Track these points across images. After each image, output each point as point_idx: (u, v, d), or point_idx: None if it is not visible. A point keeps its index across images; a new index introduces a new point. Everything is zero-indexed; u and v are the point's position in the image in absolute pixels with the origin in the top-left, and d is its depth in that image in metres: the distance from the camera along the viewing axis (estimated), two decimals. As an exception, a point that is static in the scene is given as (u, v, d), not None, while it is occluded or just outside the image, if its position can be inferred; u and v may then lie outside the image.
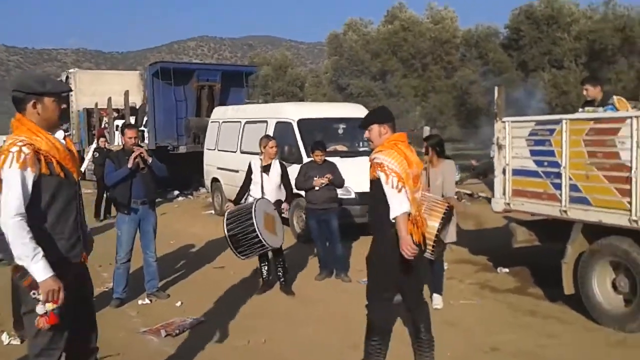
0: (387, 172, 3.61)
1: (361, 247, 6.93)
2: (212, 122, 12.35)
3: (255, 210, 5.54)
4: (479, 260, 7.34)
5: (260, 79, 25.88)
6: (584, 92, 6.23)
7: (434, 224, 4.20)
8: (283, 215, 6.34)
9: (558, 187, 5.35)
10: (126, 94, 16.64)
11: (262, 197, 6.09)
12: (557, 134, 5.34)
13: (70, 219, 2.89)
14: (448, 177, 5.55)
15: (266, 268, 6.36)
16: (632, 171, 4.65)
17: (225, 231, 5.59)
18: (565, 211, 5.29)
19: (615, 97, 5.75)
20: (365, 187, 3.95)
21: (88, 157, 14.51)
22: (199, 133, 13.97)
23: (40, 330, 2.72)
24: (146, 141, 14.54)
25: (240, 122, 11.05)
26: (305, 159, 8.36)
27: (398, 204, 3.60)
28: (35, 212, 2.73)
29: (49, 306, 2.65)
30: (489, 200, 7.05)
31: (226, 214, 5.81)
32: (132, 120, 16.01)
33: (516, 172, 5.89)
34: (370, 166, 3.75)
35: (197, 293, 6.32)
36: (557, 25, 18.47)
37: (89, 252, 3.12)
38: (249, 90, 17.88)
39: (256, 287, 6.38)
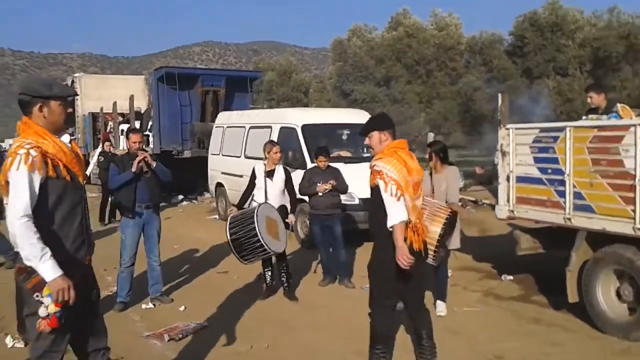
0: (386, 180, 3.60)
1: (365, 253, 6.92)
2: (216, 127, 12.40)
3: (257, 215, 5.55)
4: (483, 268, 7.32)
5: (264, 85, 25.96)
6: (588, 100, 6.24)
7: (436, 229, 4.20)
8: (288, 223, 6.34)
9: (562, 194, 5.34)
10: (131, 98, 16.72)
11: (266, 202, 6.10)
12: (561, 141, 5.33)
13: (76, 222, 2.90)
14: (452, 183, 5.55)
15: (269, 273, 6.36)
16: (636, 179, 4.64)
17: (228, 235, 5.60)
18: (569, 219, 5.28)
19: (619, 105, 5.75)
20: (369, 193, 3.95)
21: (93, 161, 14.54)
22: (203, 138, 14.03)
23: (42, 333, 2.73)
24: (151, 145, 14.62)
25: (244, 127, 11.09)
26: (309, 165, 8.38)
27: (396, 213, 3.58)
28: (41, 215, 2.74)
29: (52, 309, 2.66)
30: (493, 207, 7.03)
31: (229, 218, 5.82)
32: (137, 124, 16.10)
33: (520, 179, 5.88)
34: (370, 173, 3.75)
35: (200, 298, 6.32)
36: (562, 33, 18.49)
37: (91, 255, 3.13)
38: (254, 96, 17.96)
39: (259, 293, 6.38)
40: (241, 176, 9.73)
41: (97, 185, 14.43)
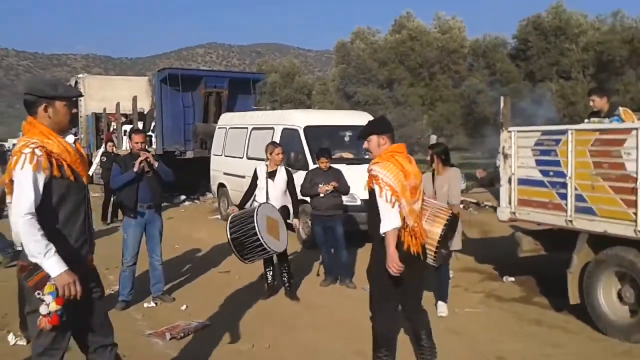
0: (381, 186, 3.59)
1: (366, 254, 6.91)
2: (219, 128, 12.44)
3: (257, 214, 5.56)
4: (484, 269, 7.33)
5: (268, 86, 26.01)
6: (591, 103, 6.27)
7: (436, 230, 4.21)
8: (291, 225, 6.35)
9: (564, 197, 5.35)
10: (134, 99, 16.77)
11: (267, 202, 6.12)
12: (563, 144, 5.35)
13: (79, 222, 2.92)
14: (454, 185, 5.57)
15: (271, 273, 6.38)
16: (638, 182, 4.66)
17: (228, 235, 5.62)
18: (570, 221, 5.29)
19: (621, 109, 5.77)
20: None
21: (96, 161, 14.61)
22: (206, 139, 14.06)
23: (43, 331, 2.75)
24: (154, 146, 14.64)
25: (247, 128, 11.12)
26: (311, 166, 8.40)
27: (389, 219, 3.58)
28: (44, 214, 2.76)
29: (53, 307, 2.67)
30: (494, 209, 7.05)
31: (229, 217, 5.84)
32: (140, 125, 16.13)
33: (522, 181, 5.90)
34: (368, 177, 3.75)
35: (202, 297, 6.34)
36: (565, 36, 18.48)
37: (92, 254, 3.15)
38: (257, 97, 17.97)
39: (261, 292, 6.40)
40: (243, 177, 9.76)
41: (99, 185, 14.48)
